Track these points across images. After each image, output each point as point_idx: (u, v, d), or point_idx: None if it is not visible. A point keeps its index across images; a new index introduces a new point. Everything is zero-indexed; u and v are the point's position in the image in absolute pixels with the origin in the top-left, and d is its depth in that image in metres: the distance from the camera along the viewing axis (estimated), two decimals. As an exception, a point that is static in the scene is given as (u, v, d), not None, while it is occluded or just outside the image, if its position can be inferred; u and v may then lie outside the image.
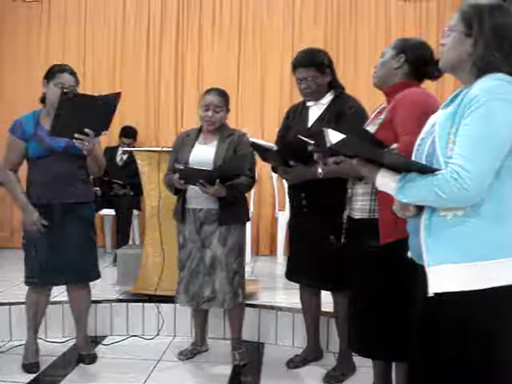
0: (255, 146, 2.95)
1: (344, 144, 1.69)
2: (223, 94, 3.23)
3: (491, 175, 1.53)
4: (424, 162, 1.65)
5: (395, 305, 2.28)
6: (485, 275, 1.56)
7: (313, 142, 2.07)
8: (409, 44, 2.42)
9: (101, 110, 2.82)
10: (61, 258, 3.07)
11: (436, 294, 1.63)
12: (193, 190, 3.11)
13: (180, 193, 3.21)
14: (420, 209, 1.69)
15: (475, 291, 1.57)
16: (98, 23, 6.16)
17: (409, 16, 5.91)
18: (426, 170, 1.58)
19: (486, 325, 1.58)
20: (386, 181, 1.69)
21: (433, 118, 1.76)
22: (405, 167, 1.64)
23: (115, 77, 6.12)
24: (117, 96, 2.88)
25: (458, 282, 1.58)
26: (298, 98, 3.29)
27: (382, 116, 2.38)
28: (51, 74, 3.05)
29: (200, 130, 3.29)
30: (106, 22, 6.16)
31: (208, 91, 3.25)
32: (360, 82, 5.42)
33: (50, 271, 3.08)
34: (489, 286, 1.56)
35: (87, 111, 2.79)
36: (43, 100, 3.13)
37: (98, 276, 3.28)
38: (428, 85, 2.50)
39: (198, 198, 3.13)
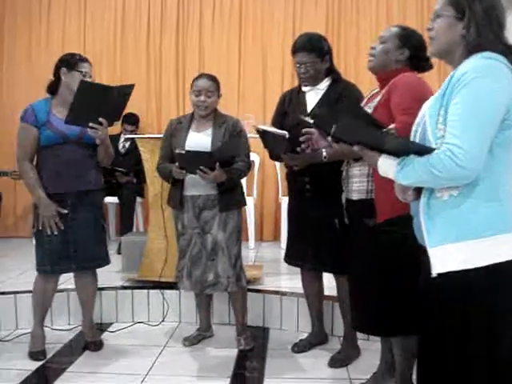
0: (263, 133, 2.94)
1: (346, 130, 1.71)
2: (214, 79, 3.23)
3: (484, 151, 1.55)
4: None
5: (395, 281, 2.33)
6: (484, 252, 1.58)
7: (312, 121, 2.08)
8: (414, 40, 2.47)
9: (115, 100, 2.87)
10: (73, 245, 3.09)
11: (439, 274, 1.65)
12: (190, 177, 3.10)
13: (178, 182, 3.19)
14: (419, 192, 1.71)
15: (476, 269, 1.58)
16: (98, 12, 6.12)
17: (410, 3, 5.85)
18: (424, 151, 1.59)
19: (488, 301, 1.60)
20: (387, 165, 1.70)
21: (426, 104, 1.78)
22: (404, 149, 1.65)
23: (116, 64, 6.09)
24: (131, 87, 2.92)
25: (459, 260, 1.60)
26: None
27: (377, 99, 2.42)
28: (72, 62, 3.06)
29: (192, 117, 3.28)
30: (107, 10, 6.11)
31: (198, 77, 3.25)
32: (361, 69, 5.36)
33: (61, 259, 3.09)
34: (489, 263, 1.58)
35: (102, 101, 2.84)
36: (51, 89, 3.12)
37: (108, 262, 3.31)
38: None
39: (197, 185, 3.13)
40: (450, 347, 1.65)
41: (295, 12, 5.94)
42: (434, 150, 1.58)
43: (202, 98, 3.16)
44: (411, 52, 2.44)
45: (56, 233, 3.05)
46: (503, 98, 1.57)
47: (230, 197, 3.16)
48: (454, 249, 1.61)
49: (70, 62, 3.07)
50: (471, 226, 1.60)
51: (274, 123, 3.19)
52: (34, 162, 3.12)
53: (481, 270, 1.58)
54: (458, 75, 1.59)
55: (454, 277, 1.62)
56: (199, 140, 3.15)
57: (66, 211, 3.05)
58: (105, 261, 3.29)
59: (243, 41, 6.01)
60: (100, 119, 2.89)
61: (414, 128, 1.79)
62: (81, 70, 3.04)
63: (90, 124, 2.88)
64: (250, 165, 3.25)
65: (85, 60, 3.11)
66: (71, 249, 3.09)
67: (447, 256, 1.63)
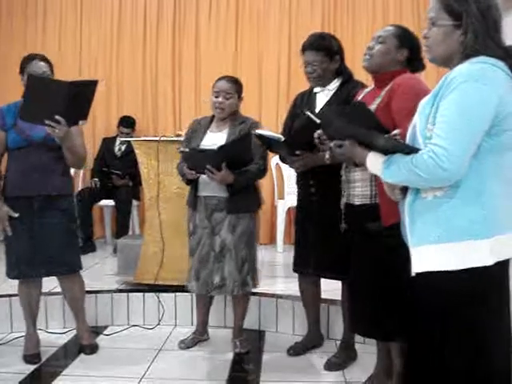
0: (261, 138, 2.94)
1: (338, 127, 1.76)
2: (234, 81, 3.22)
3: (468, 154, 1.56)
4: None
5: (396, 285, 2.31)
6: (463, 256, 1.60)
7: (319, 120, 2.10)
8: (412, 40, 2.47)
9: (74, 97, 2.73)
10: (40, 250, 3.05)
11: (417, 273, 1.69)
12: (204, 178, 3.10)
13: (192, 182, 3.21)
14: (406, 192, 1.73)
15: (454, 271, 1.61)
16: (94, 16, 6.11)
17: (406, 3, 5.86)
18: (411, 150, 1.62)
19: (464, 304, 1.62)
20: (374, 162, 1.73)
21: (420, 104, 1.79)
22: (392, 147, 1.68)
23: (112, 67, 6.09)
24: (93, 83, 2.81)
25: (438, 262, 1.64)
26: (296, 87, 3.28)
27: (377, 101, 2.41)
28: (22, 66, 3.04)
29: (212, 118, 3.28)
30: (103, 14, 6.11)
31: (220, 78, 3.25)
32: (357, 69, 5.36)
33: (29, 264, 3.06)
34: (467, 267, 1.60)
35: (57, 97, 2.71)
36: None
37: (79, 267, 3.24)
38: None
39: (209, 186, 3.13)
40: (430, 345, 1.69)
41: (291, 14, 5.94)
42: (419, 150, 1.60)
43: (220, 99, 3.15)
44: (410, 52, 2.44)
45: (1, 237, 3.04)
46: (492, 102, 1.56)
47: (239, 200, 3.12)
48: (434, 250, 1.64)
49: (20, 66, 3.05)
50: (452, 228, 1.61)
51: (286, 125, 3.19)
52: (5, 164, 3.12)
53: (458, 273, 1.61)
54: (450, 78, 1.59)
55: (433, 278, 1.65)
56: (214, 139, 3.14)
57: (16, 215, 3.00)
58: (75, 266, 3.22)
59: (239, 43, 6.00)
60: (57, 117, 2.76)
61: (410, 128, 1.80)
62: (30, 71, 2.96)
63: (46, 122, 2.77)
64: (264, 168, 3.19)
65: (32, 58, 3.03)
66: (39, 253, 3.05)
67: (427, 256, 1.66)
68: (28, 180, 3.01)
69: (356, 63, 5.37)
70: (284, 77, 5.88)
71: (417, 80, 2.40)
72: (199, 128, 3.27)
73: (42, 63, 3.03)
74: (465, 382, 1.66)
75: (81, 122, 2.94)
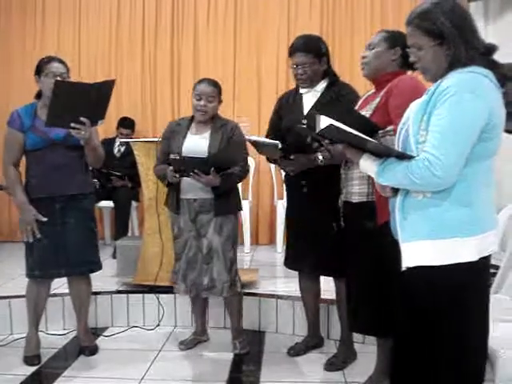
0: (256, 144, 2.98)
1: (329, 130, 1.80)
2: (215, 85, 3.23)
3: (460, 162, 1.65)
4: (401, 147, 1.79)
5: (393, 282, 2.33)
6: (450, 252, 1.70)
7: (305, 122, 2.12)
8: (402, 38, 2.47)
9: (95, 98, 2.80)
10: (62, 250, 3.07)
11: (408, 267, 1.78)
12: (187, 181, 3.11)
13: (172, 184, 3.20)
14: (396, 190, 1.83)
15: (441, 266, 1.71)
16: (92, 15, 6.11)
17: (405, 7, 5.85)
18: (404, 157, 1.70)
19: (452, 297, 1.73)
20: (367, 164, 1.82)
21: (411, 107, 1.86)
22: (385, 153, 1.76)
23: (111, 68, 6.07)
24: (111, 83, 2.87)
25: (426, 257, 1.73)
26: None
27: (375, 101, 2.45)
28: (40, 67, 3.04)
29: (192, 120, 3.28)
30: (102, 15, 6.10)
31: (200, 81, 3.25)
32: (356, 69, 5.35)
33: (51, 264, 3.07)
34: (453, 262, 1.70)
35: (82, 100, 2.77)
36: (39, 96, 3.12)
37: (99, 267, 3.28)
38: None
39: (193, 189, 3.13)
40: (420, 339, 1.78)
41: (290, 16, 5.93)
42: (413, 157, 1.68)
43: (202, 102, 3.16)
44: (403, 50, 2.44)
45: (32, 240, 3.03)
46: (483, 112, 1.65)
47: (225, 202, 3.16)
48: (424, 245, 1.74)
49: (38, 68, 3.05)
50: (441, 226, 1.71)
51: (272, 126, 3.21)
52: (24, 166, 3.12)
53: (445, 268, 1.70)
54: (444, 87, 1.67)
55: (421, 272, 1.74)
56: (196, 143, 3.16)
57: (44, 219, 3.02)
58: (96, 265, 3.25)
59: (238, 44, 6.00)
60: (82, 119, 2.82)
61: (399, 126, 1.87)
62: (49, 72, 2.98)
63: (72, 125, 2.82)
64: (247, 170, 3.25)
65: (51, 60, 3.04)
66: (61, 253, 3.07)
67: (417, 251, 1.76)
68: (50, 180, 3.02)
69: (354, 64, 5.40)
70: (282, 78, 5.87)
71: (412, 80, 2.42)
72: (179, 129, 3.26)
73: (60, 65, 3.05)
74: (455, 373, 1.74)
75: (100, 122, 2.99)
